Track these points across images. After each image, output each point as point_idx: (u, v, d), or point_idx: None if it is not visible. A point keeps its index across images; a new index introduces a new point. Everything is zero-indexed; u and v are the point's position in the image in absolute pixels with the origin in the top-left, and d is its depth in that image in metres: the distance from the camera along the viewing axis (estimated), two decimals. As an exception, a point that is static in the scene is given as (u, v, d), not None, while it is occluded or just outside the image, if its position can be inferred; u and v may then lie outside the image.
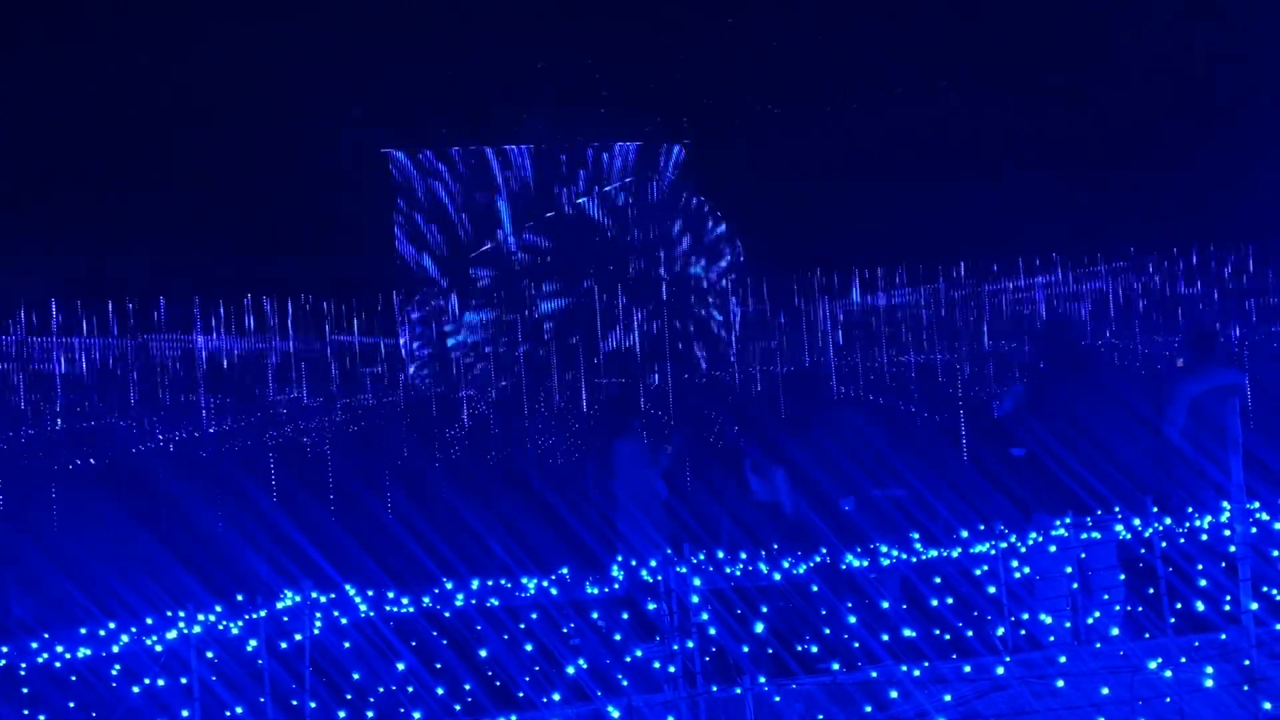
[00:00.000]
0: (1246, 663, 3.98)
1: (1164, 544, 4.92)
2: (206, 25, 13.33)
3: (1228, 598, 4.89)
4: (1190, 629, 4.94)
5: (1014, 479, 5.59)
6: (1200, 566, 5.04)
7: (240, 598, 4.77)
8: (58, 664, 4.82)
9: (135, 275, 14.85)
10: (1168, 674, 4.13)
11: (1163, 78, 13.79)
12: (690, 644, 4.45)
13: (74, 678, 4.89)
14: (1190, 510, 5.12)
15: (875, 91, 14.64)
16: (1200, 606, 4.83)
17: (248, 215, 15.19)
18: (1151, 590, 4.99)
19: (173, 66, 13.58)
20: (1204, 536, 5.01)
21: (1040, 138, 14.39)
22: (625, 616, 5.62)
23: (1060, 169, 14.25)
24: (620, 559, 6.13)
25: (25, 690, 4.93)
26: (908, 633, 4.80)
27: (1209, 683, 4.09)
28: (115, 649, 4.67)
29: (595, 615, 5.24)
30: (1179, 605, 4.95)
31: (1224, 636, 4.76)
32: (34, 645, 4.84)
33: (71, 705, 4.85)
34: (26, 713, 4.83)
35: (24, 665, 4.92)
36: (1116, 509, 5.16)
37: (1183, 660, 4.38)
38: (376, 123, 15.35)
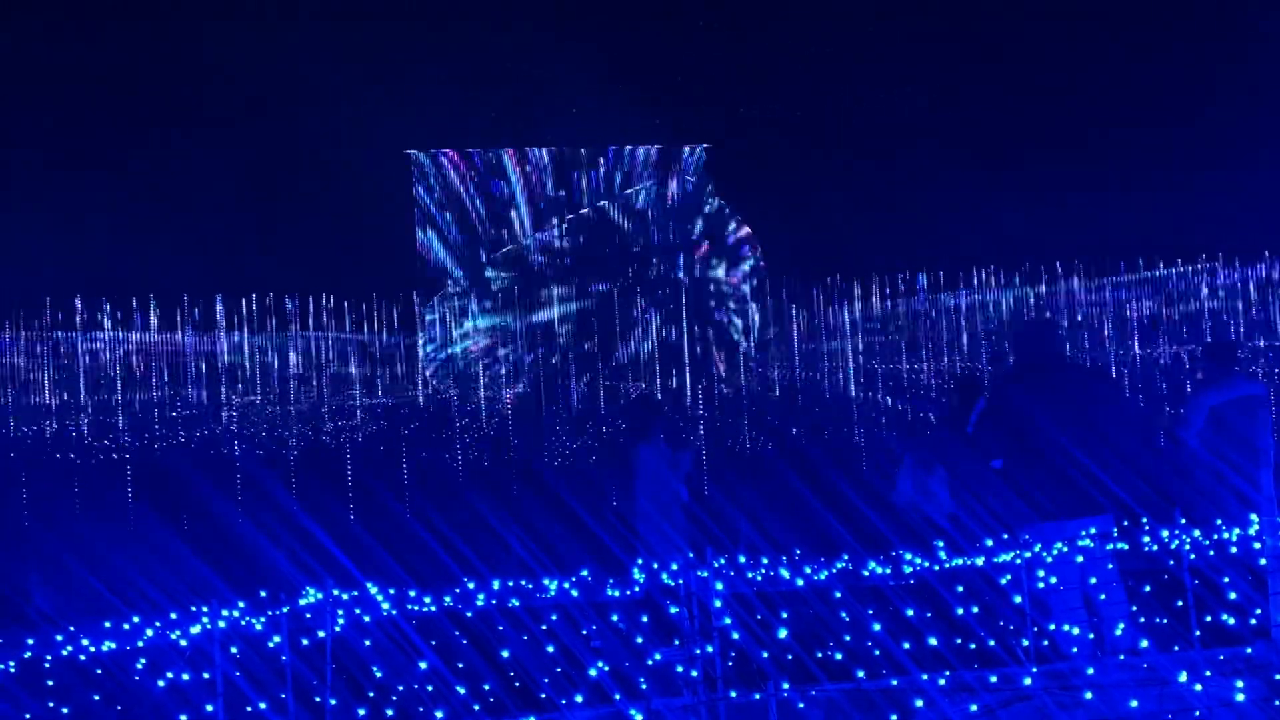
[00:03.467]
0: (1277, 676, 3.94)
1: (1192, 556, 4.86)
2: (230, 21, 13.40)
3: (1257, 611, 4.84)
4: (1216, 642, 4.88)
5: (1034, 485, 5.52)
6: (1227, 579, 4.99)
7: (264, 594, 4.78)
8: (82, 657, 4.84)
9: (157, 271, 14.96)
10: (1198, 688, 4.09)
11: (1188, 84, 13.69)
12: (711, 648, 4.43)
13: (99, 671, 4.92)
14: (1219, 522, 5.07)
15: (900, 95, 14.58)
16: (1230, 620, 4.78)
17: (269, 214, 15.28)
18: (1180, 603, 4.94)
19: (195, 62, 13.66)
20: (1233, 549, 4.95)
21: (1067, 144, 14.29)
22: (646, 619, 5.60)
23: (1085, 176, 14.16)
24: (641, 561, 6.12)
25: (50, 683, 4.97)
26: (931, 641, 4.77)
27: (1239, 696, 4.04)
28: (140, 643, 4.69)
29: (616, 618, 5.23)
30: (1207, 618, 4.90)
31: (1250, 650, 4.72)
32: (59, 638, 4.87)
33: (96, 698, 4.88)
34: (51, 705, 4.85)
35: (49, 658, 4.95)
36: (1144, 520, 5.11)
37: (1207, 674, 4.34)
38: (398, 123, 15.40)
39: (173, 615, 4.66)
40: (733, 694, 4.48)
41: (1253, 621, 4.91)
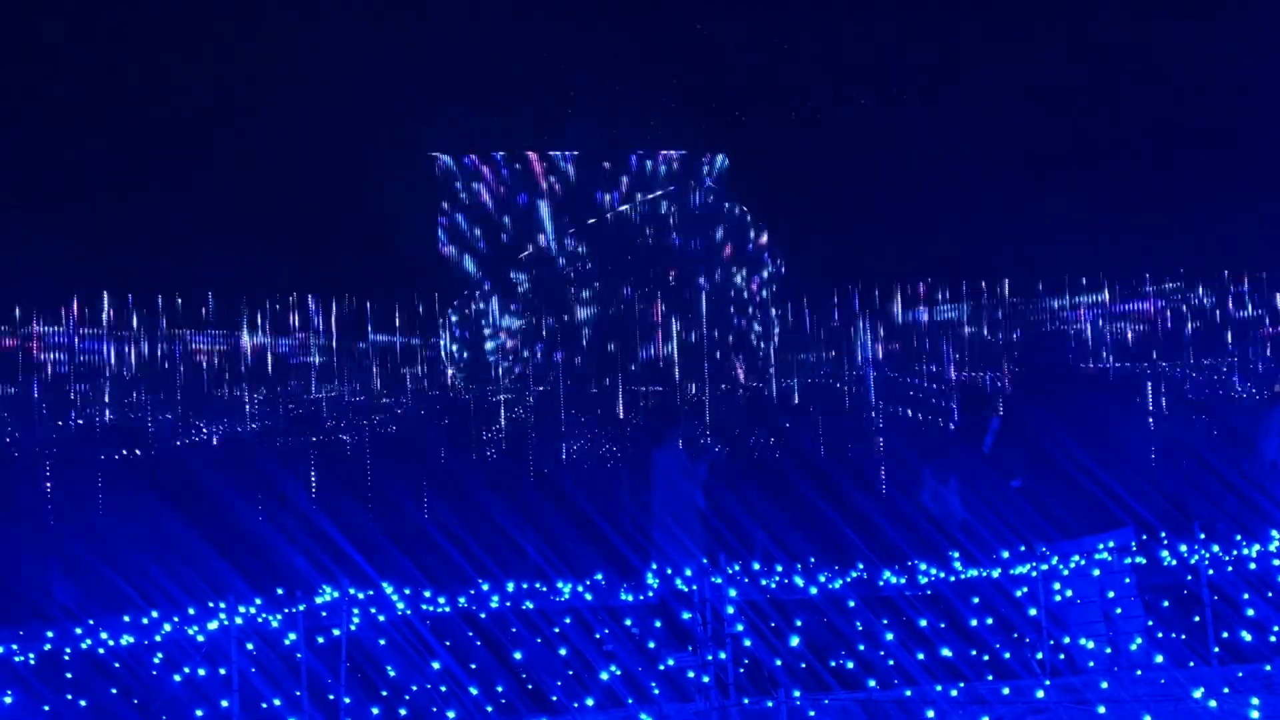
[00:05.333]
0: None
1: (1210, 571, 4.83)
2: (254, 26, 13.55)
3: (1275, 628, 4.80)
4: (1233, 659, 4.84)
5: (1056, 501, 5.48)
6: (1246, 595, 4.95)
7: (280, 592, 4.82)
8: (101, 651, 4.89)
9: (181, 271, 15.12)
10: (1212, 704, 4.06)
11: (1218, 96, 13.58)
12: (724, 654, 4.44)
13: (116, 665, 4.97)
14: (1239, 538, 5.03)
15: (922, 106, 14.55)
16: (1248, 637, 4.74)
17: (293, 215, 15.41)
18: (1198, 619, 4.90)
19: (221, 68, 13.83)
20: (1252, 565, 4.91)
21: (1092, 154, 14.21)
22: (659, 624, 5.61)
23: (1110, 185, 14.07)
24: (655, 567, 6.13)
25: (68, 676, 5.02)
26: (945, 652, 4.75)
27: (1255, 715, 4.01)
28: (158, 638, 4.74)
29: (629, 622, 5.24)
30: (1225, 634, 4.86)
31: (1269, 668, 4.68)
32: (78, 631, 4.93)
33: (114, 692, 4.93)
34: (69, 698, 4.91)
35: (68, 651, 5.00)
36: (1163, 534, 5.08)
37: (1225, 690, 4.31)
38: (422, 126, 15.51)
39: (190, 611, 4.71)
40: (745, 700, 4.48)
41: (1272, 639, 4.87)
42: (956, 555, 5.24)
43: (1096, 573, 5.00)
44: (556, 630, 5.07)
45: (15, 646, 4.89)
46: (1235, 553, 4.96)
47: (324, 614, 4.67)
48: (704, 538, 7.27)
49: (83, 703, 4.91)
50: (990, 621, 4.96)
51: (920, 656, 4.80)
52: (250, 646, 4.60)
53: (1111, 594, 5.05)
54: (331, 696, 4.50)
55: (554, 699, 4.79)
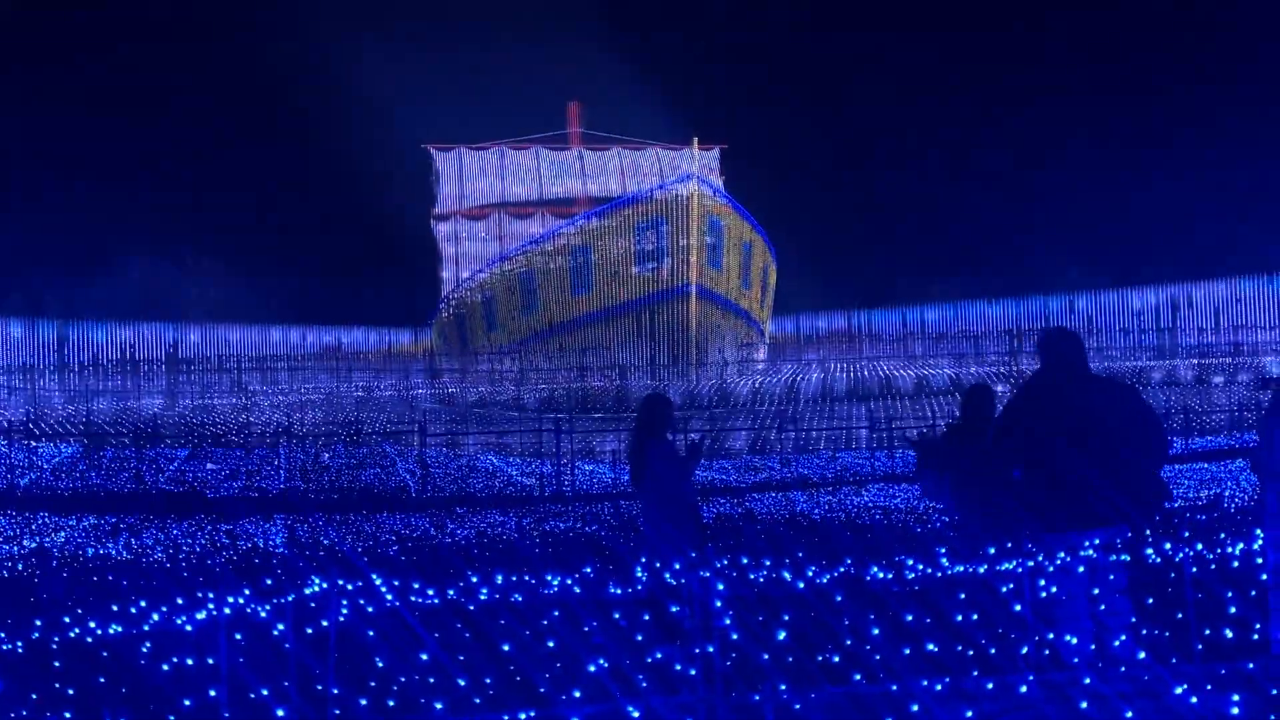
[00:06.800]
0: (1275, 693, 3.93)
1: (1194, 569, 4.85)
2: (264, 30, 13.59)
3: (1257, 626, 4.84)
4: (1215, 656, 4.87)
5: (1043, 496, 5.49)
6: (1230, 594, 4.98)
7: (269, 582, 4.81)
8: (89, 640, 4.88)
9: (184, 256, 15.12)
10: (1194, 700, 4.09)
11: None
12: (711, 648, 4.45)
13: (104, 654, 4.96)
14: (1223, 536, 5.06)
15: (915, 110, 14.57)
16: (1229, 634, 4.77)
17: (300, 204, 15.40)
18: (1180, 615, 4.93)
19: (235, 72, 13.84)
20: (1235, 564, 4.94)
21: (1085, 159, 14.25)
22: (647, 618, 5.62)
23: (1096, 185, 14.12)
24: (644, 560, 6.12)
25: (56, 664, 5.01)
26: (930, 647, 4.77)
27: (1235, 710, 4.03)
28: (146, 627, 4.73)
29: (617, 615, 5.24)
30: (1207, 632, 4.89)
31: (1251, 665, 4.71)
32: (66, 620, 4.92)
33: (101, 681, 4.92)
34: (57, 686, 4.90)
35: (56, 639, 4.99)
36: (1147, 532, 5.10)
37: (1208, 688, 4.33)
38: (418, 120, 15.53)
39: (179, 600, 4.70)
40: (731, 694, 4.49)
41: (1255, 637, 4.90)
42: (944, 550, 5.25)
43: (1082, 569, 5.01)
44: (545, 623, 5.07)
45: (3, 635, 4.87)
46: (1219, 551, 4.98)
47: (312, 605, 4.66)
48: (692, 530, 7.26)
49: (70, 691, 4.89)
50: (975, 617, 4.97)
51: (906, 651, 4.82)
52: (238, 637, 4.59)
53: (1097, 590, 5.07)
54: (319, 687, 4.50)
55: (541, 691, 4.79)
